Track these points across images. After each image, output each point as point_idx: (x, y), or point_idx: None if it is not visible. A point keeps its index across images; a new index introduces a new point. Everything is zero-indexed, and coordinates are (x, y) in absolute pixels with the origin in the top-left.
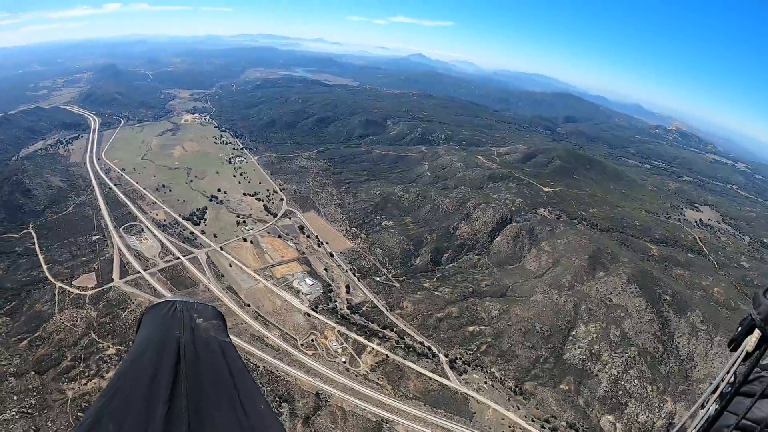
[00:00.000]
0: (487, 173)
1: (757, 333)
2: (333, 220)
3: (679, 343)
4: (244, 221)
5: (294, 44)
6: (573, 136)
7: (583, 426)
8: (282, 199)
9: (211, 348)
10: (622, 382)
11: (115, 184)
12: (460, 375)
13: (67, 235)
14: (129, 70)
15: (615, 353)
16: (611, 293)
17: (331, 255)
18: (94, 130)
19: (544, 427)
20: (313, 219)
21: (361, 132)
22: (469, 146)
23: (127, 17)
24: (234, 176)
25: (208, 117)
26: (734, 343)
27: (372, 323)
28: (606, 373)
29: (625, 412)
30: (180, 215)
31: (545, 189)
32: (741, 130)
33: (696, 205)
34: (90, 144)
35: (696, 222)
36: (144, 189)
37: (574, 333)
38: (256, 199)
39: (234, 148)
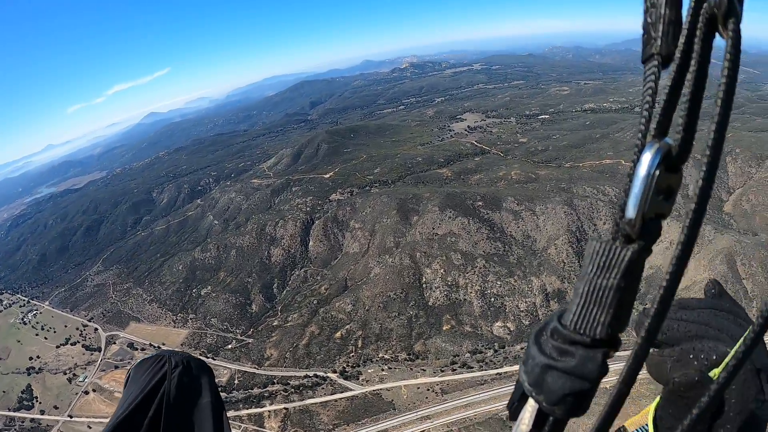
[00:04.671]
0: (268, 191)
1: (531, 403)
2: (156, 318)
3: (511, 231)
4: (73, 374)
5: (24, 165)
6: (326, 117)
7: (483, 345)
8: (96, 329)
9: (192, 409)
10: (489, 291)
11: None
12: (358, 379)
13: None
14: None
15: (467, 273)
16: (434, 228)
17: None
18: None
19: (455, 369)
20: (138, 329)
21: (133, 218)
22: (239, 175)
23: None
24: (37, 335)
25: None
26: (511, 411)
27: (252, 389)
28: (471, 293)
29: (507, 311)
30: (9, 409)
31: (326, 176)
32: (465, 38)
33: (457, 117)
34: None
35: (465, 129)
36: None
37: (424, 280)
38: (71, 344)
39: (20, 306)
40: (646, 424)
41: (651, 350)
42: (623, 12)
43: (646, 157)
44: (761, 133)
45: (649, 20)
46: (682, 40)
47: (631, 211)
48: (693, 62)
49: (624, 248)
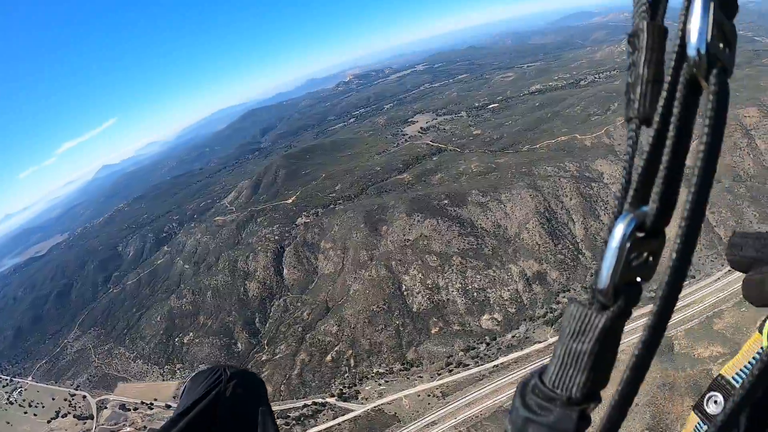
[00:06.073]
0: (233, 227)
1: None
2: (143, 375)
3: (481, 224)
4: None
5: None
6: (279, 142)
7: (474, 341)
8: (84, 396)
9: (247, 420)
10: (470, 286)
11: None
12: (357, 398)
13: None
14: None
15: (445, 273)
16: (404, 235)
17: (168, 406)
18: None
19: (452, 370)
20: (127, 389)
21: (102, 276)
22: (202, 215)
23: None
24: (26, 413)
25: None
26: None
27: None
28: (453, 291)
29: (492, 303)
30: None
31: (289, 201)
32: (407, 41)
33: (409, 120)
34: None
35: (419, 131)
36: None
37: (404, 287)
38: (62, 416)
39: (3, 386)
40: (755, 354)
41: (748, 274)
42: None
43: (618, 229)
44: None
45: (629, 80)
46: (661, 102)
47: (603, 281)
48: (672, 126)
49: (599, 314)
